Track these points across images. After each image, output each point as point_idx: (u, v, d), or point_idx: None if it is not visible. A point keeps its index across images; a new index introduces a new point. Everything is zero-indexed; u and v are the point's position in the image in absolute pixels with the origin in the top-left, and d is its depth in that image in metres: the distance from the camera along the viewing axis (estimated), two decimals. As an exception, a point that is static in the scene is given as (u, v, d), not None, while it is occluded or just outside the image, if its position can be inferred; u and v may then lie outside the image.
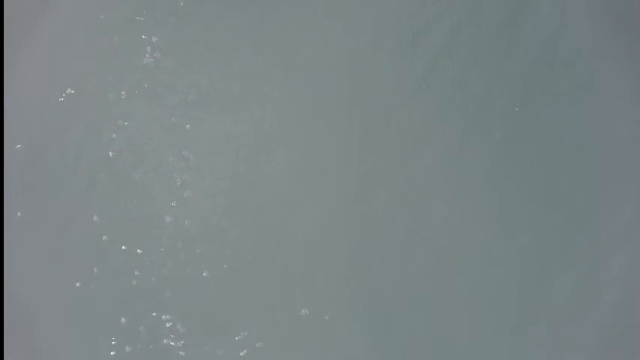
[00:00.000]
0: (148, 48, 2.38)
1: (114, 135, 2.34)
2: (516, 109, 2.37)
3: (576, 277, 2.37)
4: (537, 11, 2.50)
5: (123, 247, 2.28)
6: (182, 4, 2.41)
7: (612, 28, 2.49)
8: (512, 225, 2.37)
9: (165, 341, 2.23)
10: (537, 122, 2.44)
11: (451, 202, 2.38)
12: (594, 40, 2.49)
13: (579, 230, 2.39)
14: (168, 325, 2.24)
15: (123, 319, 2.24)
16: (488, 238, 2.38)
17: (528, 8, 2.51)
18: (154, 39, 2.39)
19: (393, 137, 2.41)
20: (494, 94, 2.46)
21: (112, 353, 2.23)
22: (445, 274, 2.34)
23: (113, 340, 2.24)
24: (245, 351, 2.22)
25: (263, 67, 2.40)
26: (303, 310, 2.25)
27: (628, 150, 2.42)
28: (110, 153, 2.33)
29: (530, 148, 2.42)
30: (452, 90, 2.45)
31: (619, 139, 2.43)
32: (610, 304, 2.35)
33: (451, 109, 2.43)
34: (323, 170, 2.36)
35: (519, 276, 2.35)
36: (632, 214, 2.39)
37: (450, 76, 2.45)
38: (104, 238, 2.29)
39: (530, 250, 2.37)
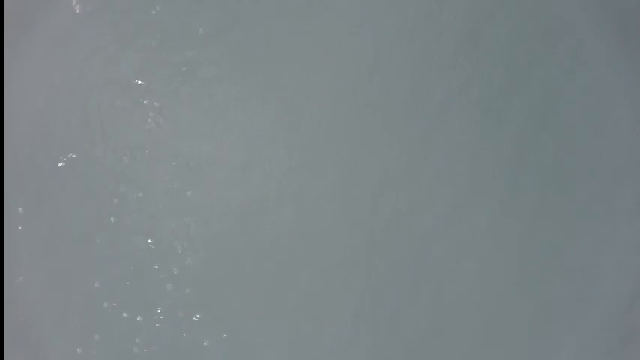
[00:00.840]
0: (150, 113, 2.38)
1: (115, 200, 2.34)
2: (521, 181, 2.37)
3: (577, 343, 2.37)
4: (548, 64, 2.49)
5: (124, 314, 2.28)
6: (185, 68, 2.40)
7: (631, 84, 2.48)
8: (515, 288, 2.38)
9: (165, 410, 2.25)
10: (544, 182, 2.43)
11: (453, 260, 2.38)
12: (609, 97, 2.48)
13: (581, 294, 2.39)
14: (168, 393, 2.25)
15: (123, 386, 2.25)
16: (489, 300, 2.38)
17: (538, 61, 2.50)
18: (156, 104, 2.38)
19: (397, 197, 2.41)
20: (499, 151, 2.45)
21: (111, 421, 2.24)
22: (448, 335, 2.35)
23: (113, 407, 2.25)
24: (247, 422, 2.24)
25: (266, 133, 2.40)
26: (307, 380, 2.26)
27: (632, 214, 2.42)
28: (112, 219, 2.33)
29: (534, 207, 2.41)
30: (456, 147, 2.44)
31: (625, 203, 2.42)
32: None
33: (455, 169, 2.43)
34: (327, 237, 2.36)
35: (525, 340, 2.35)
36: (634, 282, 2.39)
37: (454, 132, 2.44)
38: (105, 304, 2.29)
39: (532, 316, 2.37)
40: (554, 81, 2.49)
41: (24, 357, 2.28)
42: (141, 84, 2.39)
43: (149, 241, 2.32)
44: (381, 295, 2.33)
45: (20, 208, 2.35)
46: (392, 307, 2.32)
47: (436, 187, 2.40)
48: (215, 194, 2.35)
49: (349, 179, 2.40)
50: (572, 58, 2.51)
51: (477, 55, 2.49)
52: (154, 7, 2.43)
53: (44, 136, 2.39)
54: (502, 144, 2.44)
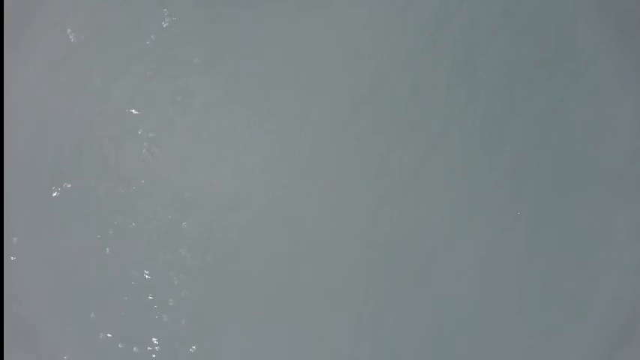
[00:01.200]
0: (145, 143, 2.37)
1: (110, 231, 2.33)
2: (519, 213, 2.37)
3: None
4: (546, 90, 2.49)
5: (119, 346, 2.27)
6: (179, 98, 2.40)
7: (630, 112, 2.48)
8: (513, 311, 2.38)
9: None
10: (542, 207, 2.43)
11: (452, 285, 2.39)
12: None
13: (579, 319, 2.39)
14: None
15: (119, 418, 2.24)
16: (487, 322, 2.38)
17: (536, 88, 2.50)
18: (150, 134, 2.37)
19: (395, 223, 2.41)
20: (497, 176, 2.45)
21: None
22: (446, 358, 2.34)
23: None
24: None
25: (262, 162, 2.39)
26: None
27: (626, 249, 2.41)
28: (107, 249, 2.32)
29: (532, 231, 2.42)
30: (454, 172, 2.44)
31: (623, 229, 2.42)
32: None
33: (452, 194, 2.43)
34: (324, 265, 2.37)
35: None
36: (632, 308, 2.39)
37: (452, 157, 2.45)
38: (100, 335, 2.28)
39: (531, 339, 2.37)
40: (551, 105, 2.48)
41: (19, 389, 2.27)
42: (135, 114, 2.38)
43: (145, 272, 2.31)
44: (380, 318, 2.33)
45: (15, 238, 2.34)
46: (390, 330, 2.31)
47: (434, 211, 2.40)
48: (211, 224, 2.34)
49: (347, 206, 2.39)
50: (570, 85, 2.51)
51: (475, 76, 2.49)
52: (149, 36, 2.41)
53: (38, 165, 2.37)
54: (500, 168, 2.44)
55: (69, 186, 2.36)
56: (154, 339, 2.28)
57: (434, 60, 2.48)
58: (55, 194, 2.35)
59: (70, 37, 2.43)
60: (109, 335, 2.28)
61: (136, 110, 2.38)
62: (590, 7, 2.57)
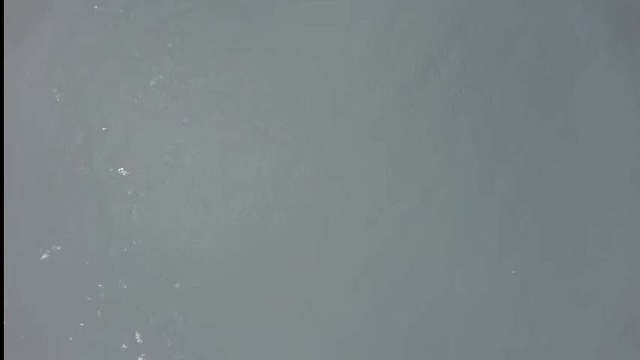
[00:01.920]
0: (135, 204, 2.34)
1: (102, 294, 2.31)
2: (513, 272, 2.36)
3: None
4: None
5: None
6: (168, 157, 2.37)
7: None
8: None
9: None
10: (531, 264, 2.43)
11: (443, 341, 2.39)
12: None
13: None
14: None
15: None
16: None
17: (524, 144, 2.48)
18: (140, 194, 2.35)
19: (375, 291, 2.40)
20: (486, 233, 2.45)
21: None
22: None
23: None
24: None
25: (250, 223, 2.39)
26: None
27: (615, 297, 2.41)
28: (98, 312, 2.30)
29: (522, 286, 2.42)
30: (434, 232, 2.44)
31: (610, 291, 2.42)
32: None
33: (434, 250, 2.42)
34: (319, 329, 2.36)
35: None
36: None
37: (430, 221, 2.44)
38: (93, 401, 2.27)
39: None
40: (543, 154, 2.48)
41: None
42: (124, 174, 2.36)
43: (136, 334, 2.29)
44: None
45: (7, 301, 2.32)
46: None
47: (428, 259, 2.39)
48: (203, 286, 2.33)
49: (338, 263, 2.38)
50: (562, 134, 2.50)
51: (467, 125, 2.47)
52: (136, 95, 2.39)
53: (25, 227, 2.35)
54: (493, 217, 2.43)
55: (58, 248, 2.33)
56: (147, 399, 2.27)
57: (425, 107, 2.46)
58: (44, 256, 2.33)
59: (56, 96, 2.40)
60: (101, 400, 2.27)
61: (125, 170, 2.35)
62: (580, 43, 2.56)
